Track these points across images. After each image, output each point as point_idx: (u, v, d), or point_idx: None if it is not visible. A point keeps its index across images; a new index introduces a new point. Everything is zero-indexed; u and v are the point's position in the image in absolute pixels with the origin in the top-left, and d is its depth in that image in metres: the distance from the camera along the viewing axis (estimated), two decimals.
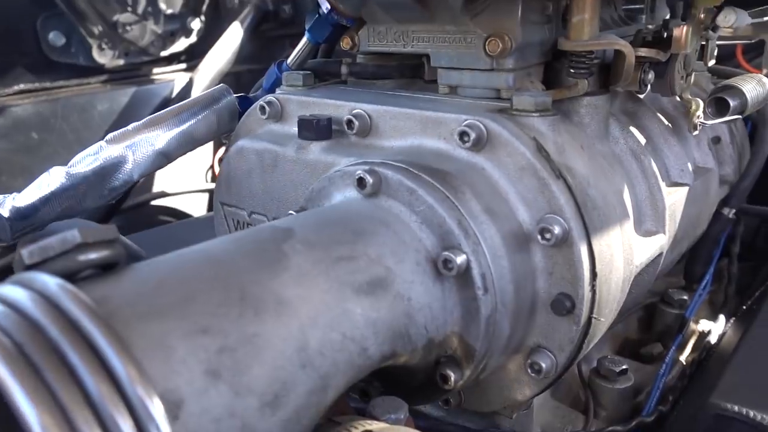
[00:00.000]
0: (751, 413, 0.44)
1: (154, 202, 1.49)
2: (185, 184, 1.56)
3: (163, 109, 1.46)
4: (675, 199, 0.58)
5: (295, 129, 0.54)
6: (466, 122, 0.45)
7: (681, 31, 0.52)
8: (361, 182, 0.42)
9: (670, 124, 0.64)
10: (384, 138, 0.50)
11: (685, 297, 0.73)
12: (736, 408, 0.45)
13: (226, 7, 1.74)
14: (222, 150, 1.60)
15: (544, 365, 0.44)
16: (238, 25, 1.61)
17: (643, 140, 0.59)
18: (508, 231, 0.42)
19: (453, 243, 0.40)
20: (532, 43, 0.52)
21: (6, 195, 0.58)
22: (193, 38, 1.69)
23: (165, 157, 0.59)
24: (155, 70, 1.63)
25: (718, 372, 0.55)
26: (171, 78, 1.63)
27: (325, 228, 0.38)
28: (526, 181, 0.43)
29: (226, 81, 1.54)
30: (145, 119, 0.59)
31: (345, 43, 0.60)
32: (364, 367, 0.34)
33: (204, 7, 1.70)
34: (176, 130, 0.60)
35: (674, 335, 0.71)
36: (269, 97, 0.57)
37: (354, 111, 0.51)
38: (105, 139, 0.58)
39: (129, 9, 1.52)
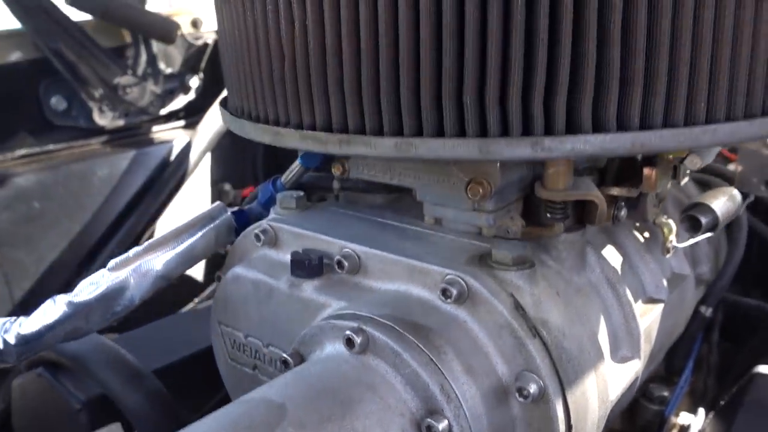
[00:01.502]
0: None
1: None
2: None
3: (162, 171, 1.49)
4: (651, 318, 0.61)
5: (285, 256, 0.57)
6: (448, 277, 0.48)
7: (651, 172, 0.55)
8: (349, 342, 0.45)
9: (647, 235, 0.67)
10: (372, 279, 0.53)
11: (666, 393, 0.75)
12: None
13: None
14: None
15: None
16: None
17: (619, 260, 0.62)
18: (488, 387, 0.45)
19: (436, 407, 0.43)
20: (511, 183, 0.55)
21: (12, 319, 0.60)
22: (191, 95, 1.72)
23: (165, 280, 0.62)
24: (154, 129, 1.66)
25: None
26: (170, 137, 1.65)
27: (315, 402, 0.41)
28: (504, 338, 0.46)
29: (222, 140, 1.58)
30: (145, 244, 0.62)
31: (336, 170, 0.63)
32: None
33: (202, 65, 1.74)
34: (175, 251, 0.62)
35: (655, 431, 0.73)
36: (264, 225, 0.61)
37: (344, 251, 0.54)
38: (107, 267, 0.61)
39: (129, 72, 1.56)
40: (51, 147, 1.45)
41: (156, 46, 1.66)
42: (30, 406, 0.76)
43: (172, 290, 0.69)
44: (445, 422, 0.42)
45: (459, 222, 0.56)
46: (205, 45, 1.73)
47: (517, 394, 0.45)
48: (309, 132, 0.51)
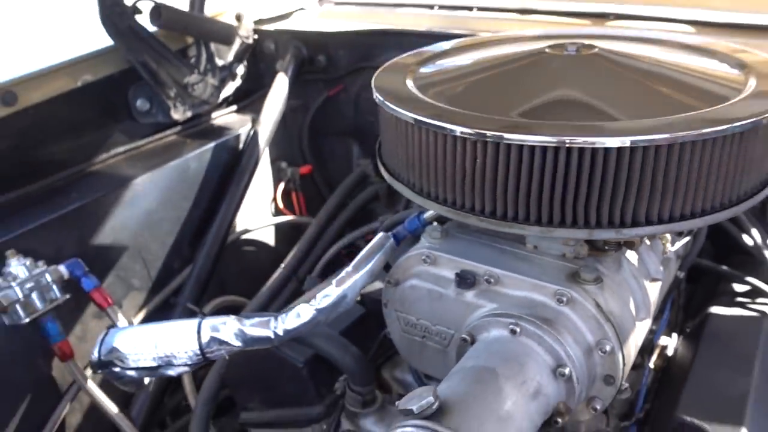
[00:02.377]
0: (705, 425, 0.91)
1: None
2: (255, 219, 1.92)
3: (239, 159, 1.75)
4: (654, 291, 1.03)
5: (444, 272, 0.95)
6: (558, 290, 0.87)
7: None
8: (513, 331, 0.85)
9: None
10: (508, 289, 0.92)
11: (654, 327, 1.20)
12: (695, 422, 0.92)
13: (263, 52, 2.05)
14: (281, 185, 1.97)
15: (598, 407, 0.90)
16: (283, 75, 1.93)
17: (636, 258, 1.03)
18: (585, 349, 0.86)
19: (562, 362, 0.84)
20: None
21: (274, 317, 0.96)
22: (238, 82, 2.02)
23: (359, 293, 0.99)
24: (213, 115, 1.96)
25: (678, 386, 1.02)
26: (227, 121, 1.94)
27: (505, 363, 0.81)
28: (591, 323, 0.87)
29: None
30: (346, 269, 0.98)
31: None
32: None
33: (247, 54, 2.02)
34: (364, 272, 0.99)
35: (648, 352, 1.18)
36: (425, 252, 0.97)
37: (487, 274, 0.92)
38: (334, 283, 0.97)
39: (195, 71, 1.84)
40: (140, 142, 1.75)
41: (212, 44, 1.92)
42: (249, 373, 1.13)
43: None
44: (568, 369, 0.83)
45: (552, 249, 0.95)
46: (248, 38, 1.99)
47: (599, 351, 0.87)
48: (484, 218, 0.87)
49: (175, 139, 1.81)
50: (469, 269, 0.95)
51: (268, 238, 1.93)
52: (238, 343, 0.97)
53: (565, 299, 0.87)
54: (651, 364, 1.19)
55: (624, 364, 0.89)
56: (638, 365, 1.16)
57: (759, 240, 1.22)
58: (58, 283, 1.32)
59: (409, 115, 0.91)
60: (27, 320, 1.27)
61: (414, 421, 0.71)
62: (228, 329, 0.98)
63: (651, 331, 1.19)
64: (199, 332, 0.98)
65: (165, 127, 1.82)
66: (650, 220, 0.83)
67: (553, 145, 0.80)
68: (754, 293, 1.21)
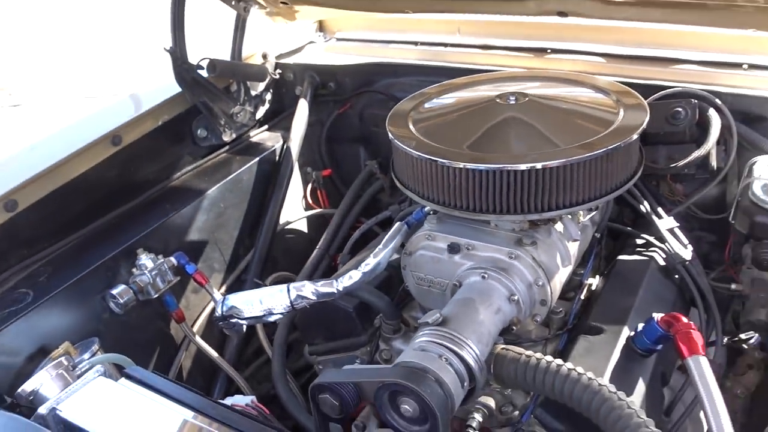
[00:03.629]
0: (603, 327, 1.50)
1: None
2: (292, 213, 2.48)
3: (278, 169, 2.34)
4: (574, 248, 1.62)
5: (440, 245, 1.53)
6: (509, 251, 1.46)
7: None
8: (483, 277, 1.44)
9: None
10: (479, 251, 1.50)
11: (581, 270, 1.79)
12: (597, 324, 1.51)
13: (284, 80, 2.60)
14: (309, 186, 2.54)
15: (538, 320, 1.49)
16: (303, 100, 2.49)
17: (562, 227, 1.61)
18: (527, 284, 1.45)
19: (513, 293, 1.43)
20: None
21: (321, 283, 1.54)
22: (266, 105, 2.58)
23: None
24: (251, 134, 2.51)
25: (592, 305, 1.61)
26: (263, 139, 2.49)
27: (479, 295, 1.40)
28: (531, 270, 1.45)
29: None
30: (373, 250, 1.56)
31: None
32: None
33: (273, 84, 2.57)
34: (388, 249, 1.57)
35: (578, 288, 1.77)
36: (428, 232, 1.55)
37: (467, 244, 1.50)
38: (372, 254, 1.55)
39: (237, 103, 2.40)
40: (202, 161, 2.30)
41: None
42: (315, 319, 1.71)
43: None
44: (516, 296, 1.43)
45: (506, 226, 1.53)
46: (275, 73, 2.55)
47: (536, 285, 1.46)
48: (462, 211, 1.46)
49: (227, 157, 2.36)
50: (456, 242, 1.53)
51: (303, 226, 2.51)
52: (313, 298, 1.55)
53: (513, 255, 1.46)
54: (582, 296, 1.78)
55: (551, 292, 1.48)
56: (571, 298, 1.75)
57: (649, 209, 1.81)
58: (171, 269, 1.89)
59: (412, 151, 1.49)
60: (156, 296, 1.84)
61: (432, 327, 1.30)
62: (307, 289, 1.56)
63: (579, 274, 1.78)
64: (288, 293, 1.56)
65: (218, 148, 2.38)
66: (557, 207, 1.42)
67: (502, 168, 1.38)
68: (647, 244, 1.81)
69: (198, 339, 1.94)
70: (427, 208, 1.64)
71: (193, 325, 1.99)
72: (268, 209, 2.26)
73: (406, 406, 1.19)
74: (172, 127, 2.18)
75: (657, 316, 1.41)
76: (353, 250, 2.11)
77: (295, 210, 2.50)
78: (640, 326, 1.44)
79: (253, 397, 1.43)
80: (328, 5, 2.13)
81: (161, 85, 2.19)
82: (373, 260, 1.56)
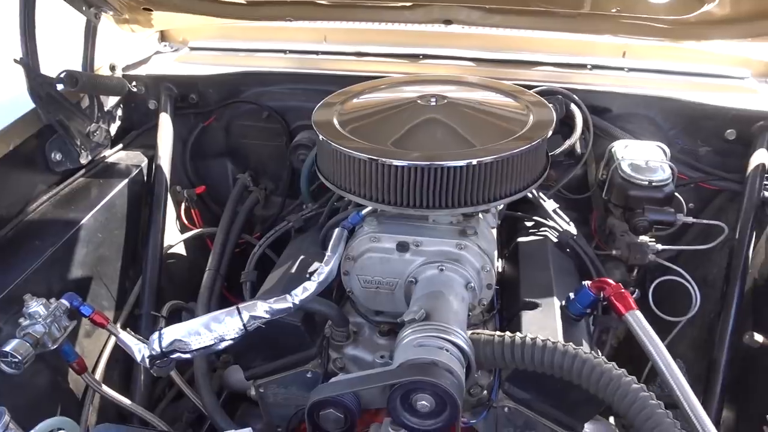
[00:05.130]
0: (536, 301, 1.66)
1: None
2: (170, 236, 2.29)
3: (151, 190, 2.15)
4: (495, 234, 1.77)
5: (387, 245, 1.56)
6: (458, 242, 1.54)
7: None
8: (441, 269, 1.50)
9: None
10: (427, 246, 1.56)
11: None
12: (531, 299, 1.66)
13: (134, 94, 2.40)
14: (183, 205, 2.36)
15: (485, 303, 1.60)
16: (165, 114, 2.32)
17: (495, 222, 1.75)
18: (476, 272, 1.55)
19: (469, 281, 1.51)
20: None
21: (271, 301, 1.48)
22: (118, 122, 2.37)
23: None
24: (105, 153, 2.28)
25: (514, 286, 1.77)
26: (121, 159, 2.27)
27: (440, 286, 1.46)
28: (477, 257, 1.55)
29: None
30: (328, 253, 1.54)
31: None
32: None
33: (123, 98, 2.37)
34: (335, 257, 1.55)
35: None
36: (372, 234, 1.56)
37: (414, 241, 1.55)
38: (323, 263, 1.51)
39: (94, 120, 2.17)
40: (60, 187, 2.03)
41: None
42: (254, 341, 1.61)
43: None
44: (472, 283, 1.52)
45: (443, 220, 1.61)
46: (133, 86, 2.34)
47: (483, 271, 1.56)
48: (406, 208, 1.50)
49: (87, 182, 2.09)
50: (403, 240, 1.57)
51: (182, 250, 2.32)
52: (267, 316, 1.48)
53: (461, 246, 1.55)
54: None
55: (495, 276, 1.60)
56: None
57: (536, 194, 2.03)
58: (65, 313, 1.64)
59: (353, 153, 1.50)
60: (54, 347, 1.58)
61: (420, 323, 1.33)
62: (260, 308, 1.47)
63: None
64: (240, 315, 1.46)
65: (73, 172, 2.10)
66: (493, 199, 1.54)
67: (446, 166, 1.46)
68: (537, 226, 2.03)
69: (106, 389, 1.70)
70: (364, 211, 1.65)
71: (93, 372, 1.74)
72: (149, 235, 2.06)
73: (423, 402, 1.21)
74: (24, 152, 1.88)
75: (587, 283, 1.60)
76: (256, 267, 2.02)
77: (170, 233, 2.30)
78: (571, 295, 1.63)
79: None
80: (200, 13, 2.00)
81: (5, 102, 1.88)
82: (326, 269, 1.53)
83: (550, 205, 2.03)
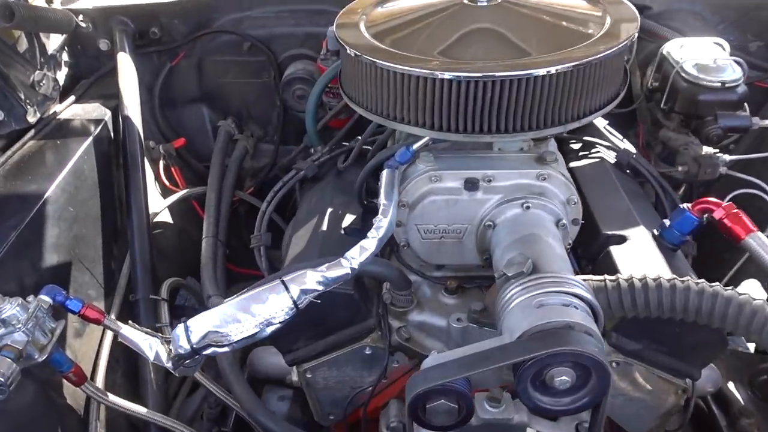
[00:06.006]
0: (622, 233, 1.41)
1: None
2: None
3: (123, 148, 1.74)
4: None
5: (451, 184, 1.26)
6: (539, 172, 1.25)
7: None
8: (527, 207, 1.22)
9: None
10: (500, 182, 1.26)
11: None
12: (616, 233, 1.41)
13: (80, 33, 1.97)
14: (162, 164, 1.97)
15: (570, 243, 1.34)
16: (124, 54, 1.91)
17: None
18: (563, 206, 1.27)
19: (559, 217, 1.24)
20: None
21: (306, 273, 1.16)
22: (65, 69, 1.95)
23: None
24: (55, 109, 1.87)
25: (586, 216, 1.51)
26: (77, 114, 1.86)
27: (529, 227, 1.18)
28: (563, 188, 1.27)
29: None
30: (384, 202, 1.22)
31: None
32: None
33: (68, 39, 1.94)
34: (395, 204, 1.24)
35: None
36: (432, 173, 1.25)
37: (484, 176, 1.25)
38: (380, 214, 1.19)
39: (38, 67, 1.75)
40: (5, 156, 1.62)
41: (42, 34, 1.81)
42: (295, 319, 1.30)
43: None
44: (563, 220, 1.24)
45: (512, 148, 1.31)
46: (82, 22, 1.90)
47: (570, 204, 1.28)
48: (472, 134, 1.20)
49: (40, 145, 1.68)
50: (470, 176, 1.27)
51: (167, 217, 1.94)
52: (320, 288, 1.16)
53: (544, 176, 1.26)
54: None
55: (581, 209, 1.33)
56: None
57: None
58: (48, 313, 1.27)
59: (399, 67, 1.18)
60: (43, 358, 1.23)
61: (529, 277, 1.05)
62: (311, 279, 1.15)
63: None
64: (287, 290, 1.14)
65: (20, 134, 1.68)
66: (577, 117, 1.24)
67: (520, 77, 1.15)
68: (587, 146, 1.76)
69: (113, 398, 1.36)
70: (415, 145, 1.33)
71: (93, 380, 1.40)
72: (130, 203, 1.69)
73: (564, 377, 0.94)
74: None
75: (686, 206, 1.35)
76: (268, 228, 1.69)
77: (150, 199, 1.92)
78: (666, 222, 1.38)
79: None
80: None
81: None
82: (384, 221, 1.22)
83: (600, 122, 1.76)
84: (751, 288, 1.78)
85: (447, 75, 1.17)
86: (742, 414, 1.56)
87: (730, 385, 1.66)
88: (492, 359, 0.96)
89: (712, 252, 1.62)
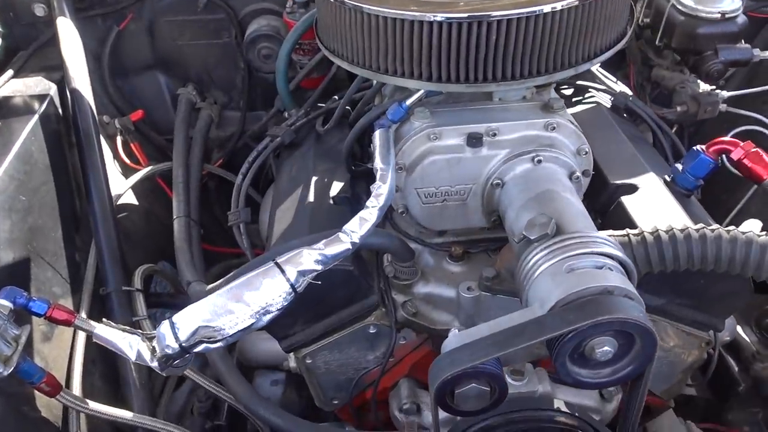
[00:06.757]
0: (632, 181, 1.31)
1: None
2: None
3: (74, 124, 1.57)
4: None
5: (452, 141, 1.13)
6: (547, 122, 1.14)
7: None
8: (539, 161, 1.11)
9: None
10: (506, 135, 1.15)
11: None
12: (624, 181, 1.32)
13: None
14: (120, 140, 1.79)
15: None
16: (64, 19, 1.71)
17: None
18: (574, 156, 1.16)
19: (572, 169, 1.13)
20: None
21: (307, 252, 1.04)
22: None
23: None
24: None
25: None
26: (17, 91, 1.67)
27: (541, 182, 1.07)
28: (573, 137, 1.16)
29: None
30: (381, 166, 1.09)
31: None
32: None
33: None
34: (393, 167, 1.11)
35: None
36: (430, 130, 1.13)
37: (487, 129, 1.13)
38: (378, 179, 1.07)
39: None
40: None
41: None
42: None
43: None
44: (576, 173, 1.14)
45: (514, 97, 1.19)
46: None
47: (581, 155, 1.18)
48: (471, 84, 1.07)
49: None
50: (472, 130, 1.15)
51: (131, 198, 1.77)
52: (319, 267, 1.04)
53: (553, 126, 1.15)
54: None
55: (592, 159, 1.22)
56: None
57: None
58: (9, 319, 1.12)
59: (382, 10, 1.05)
60: (9, 371, 1.08)
61: (554, 239, 0.94)
62: (308, 259, 1.03)
63: None
64: (283, 273, 1.02)
65: None
66: (586, 59, 1.13)
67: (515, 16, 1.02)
68: (579, 91, 1.65)
69: (93, 405, 1.23)
70: (409, 101, 1.19)
71: (69, 387, 1.26)
72: (89, 185, 1.52)
73: (606, 348, 0.85)
74: None
75: (700, 147, 1.26)
76: (246, 203, 1.55)
77: (111, 179, 1.75)
78: (679, 166, 1.29)
79: None
80: None
81: None
82: (384, 187, 1.09)
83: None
84: (753, 228, 1.72)
85: (442, 16, 1.03)
86: (756, 359, 1.52)
87: (738, 329, 1.61)
88: (527, 335, 0.86)
89: (709, 193, 1.54)
